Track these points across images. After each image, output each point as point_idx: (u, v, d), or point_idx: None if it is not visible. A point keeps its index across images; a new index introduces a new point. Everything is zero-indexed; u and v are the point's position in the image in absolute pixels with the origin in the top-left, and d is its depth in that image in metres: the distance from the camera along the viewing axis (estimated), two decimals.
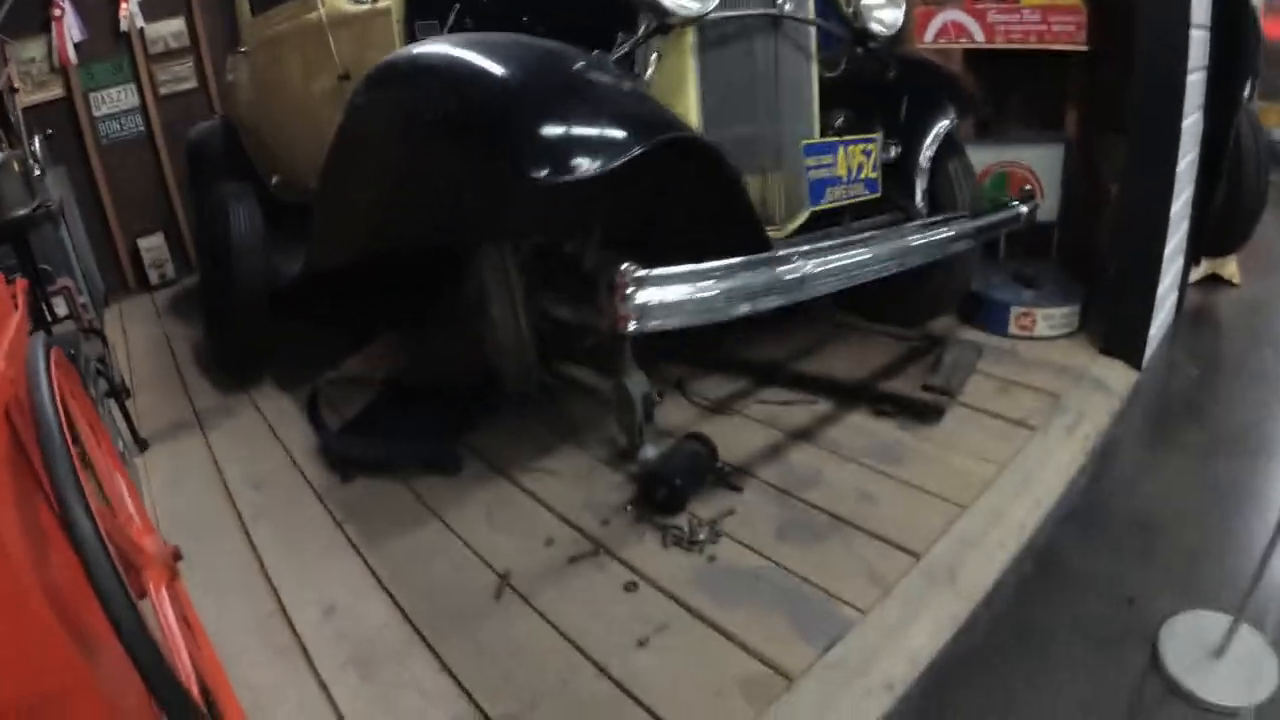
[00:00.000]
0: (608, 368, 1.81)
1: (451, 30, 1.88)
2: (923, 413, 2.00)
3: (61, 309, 2.55)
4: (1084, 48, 2.43)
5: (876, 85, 2.15)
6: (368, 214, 1.93)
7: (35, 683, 0.71)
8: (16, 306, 1.21)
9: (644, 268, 1.08)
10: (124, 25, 3.83)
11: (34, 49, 3.66)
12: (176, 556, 1.09)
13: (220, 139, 3.24)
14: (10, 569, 0.68)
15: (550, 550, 1.63)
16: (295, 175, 2.70)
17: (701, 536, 1.60)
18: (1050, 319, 2.45)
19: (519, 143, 1.13)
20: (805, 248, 1.38)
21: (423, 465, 1.95)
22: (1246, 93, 2.37)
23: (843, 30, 2.04)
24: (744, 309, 1.24)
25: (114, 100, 3.95)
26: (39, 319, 2.35)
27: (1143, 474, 1.83)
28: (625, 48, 1.56)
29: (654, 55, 1.64)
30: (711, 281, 1.17)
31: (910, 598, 1.40)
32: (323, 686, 1.34)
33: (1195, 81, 2.17)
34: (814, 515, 1.65)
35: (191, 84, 4.16)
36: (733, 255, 1.27)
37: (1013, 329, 2.48)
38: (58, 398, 0.83)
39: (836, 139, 1.82)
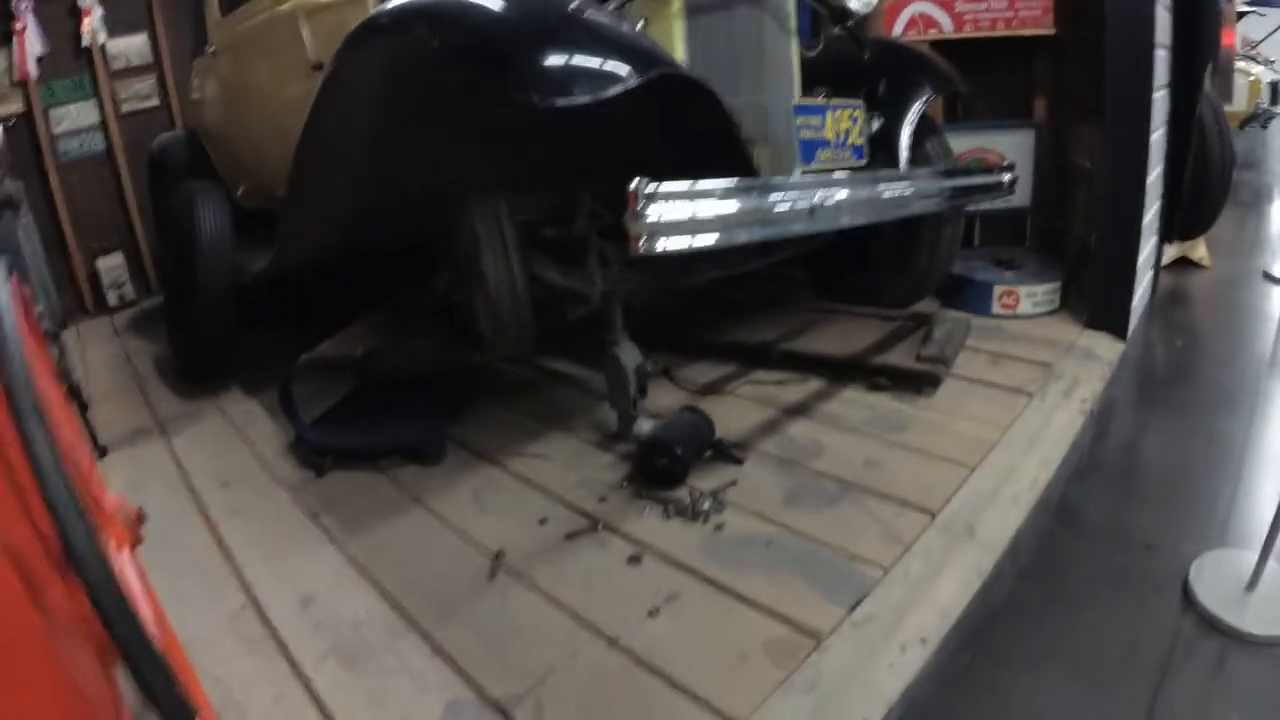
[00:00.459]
0: (596, 340, 1.74)
1: None
2: (919, 383, 1.97)
3: None
4: (1051, 32, 2.49)
5: (854, 64, 2.17)
6: (342, 200, 1.87)
7: None
8: None
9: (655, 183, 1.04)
10: (86, 40, 3.73)
11: None
12: (140, 518, 0.98)
13: (184, 149, 3.14)
14: None
15: (545, 529, 1.53)
16: (262, 181, 2.62)
17: (706, 507, 1.52)
18: (1034, 296, 2.46)
19: (520, 67, 1.10)
20: (816, 180, 1.36)
21: (403, 454, 1.84)
22: (1208, 72, 2.45)
23: (820, 6, 2.05)
24: (756, 233, 1.19)
25: (74, 117, 3.82)
26: None
27: (1145, 432, 1.82)
28: (612, 6, 1.54)
29: (641, 22, 1.62)
30: (724, 200, 1.13)
31: (931, 553, 1.34)
32: (302, 678, 1.22)
33: (1161, 57, 2.23)
34: (822, 481, 1.59)
35: (154, 102, 4.05)
36: None
37: (996, 308, 2.49)
38: (16, 314, 0.73)
39: (825, 102, 1.81)
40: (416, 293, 2.52)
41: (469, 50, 1.17)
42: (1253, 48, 6.98)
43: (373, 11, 1.41)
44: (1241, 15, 6.31)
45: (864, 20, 2.19)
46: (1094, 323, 2.32)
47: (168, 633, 1.09)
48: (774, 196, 1.23)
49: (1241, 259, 3.13)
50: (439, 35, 1.17)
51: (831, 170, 1.82)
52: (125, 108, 3.97)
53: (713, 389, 2.11)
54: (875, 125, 2.05)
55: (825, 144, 1.77)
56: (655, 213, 1.03)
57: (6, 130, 3.00)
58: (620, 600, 1.30)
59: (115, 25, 3.83)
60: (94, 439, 2.10)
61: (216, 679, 1.20)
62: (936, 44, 2.79)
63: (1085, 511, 1.52)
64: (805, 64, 1.94)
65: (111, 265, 4.04)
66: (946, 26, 2.70)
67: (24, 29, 3.51)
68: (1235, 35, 5.39)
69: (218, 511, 1.75)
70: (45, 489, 0.64)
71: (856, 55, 2.19)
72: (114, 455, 2.10)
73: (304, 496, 1.76)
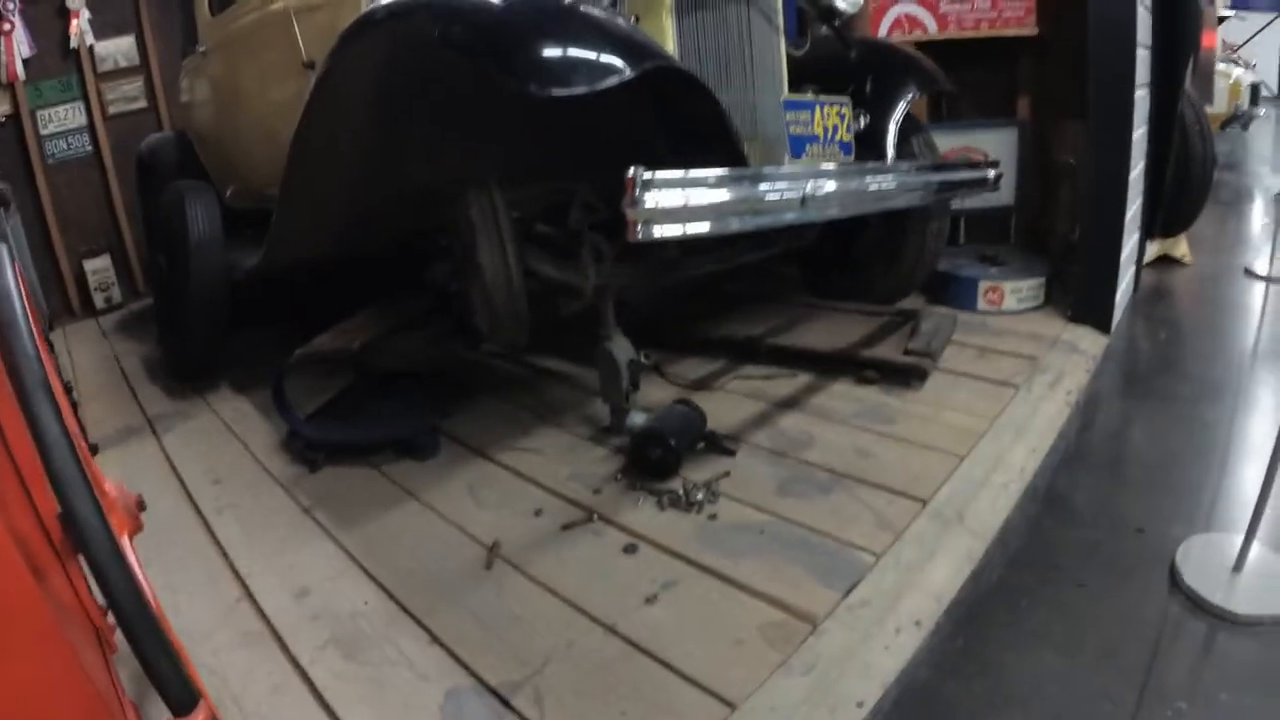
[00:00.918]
0: (587, 336, 1.76)
1: None
2: (907, 376, 1.99)
3: None
4: (1034, 32, 2.53)
5: (841, 63, 2.20)
6: (336, 199, 1.87)
7: None
8: None
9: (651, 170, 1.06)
10: (74, 42, 3.71)
11: None
12: (140, 505, 0.98)
13: (173, 150, 3.13)
14: None
15: (540, 520, 1.54)
16: (253, 182, 2.61)
17: (699, 497, 1.53)
18: (1018, 292, 2.49)
19: (519, 56, 1.12)
20: (807, 170, 1.38)
21: (397, 449, 1.84)
22: (1188, 71, 2.50)
23: (807, 5, 2.08)
24: (749, 222, 1.21)
25: (61, 119, 3.80)
26: None
27: (1130, 422, 1.85)
28: (606, 2, 1.55)
29: (633, 18, 1.64)
30: (716, 188, 1.14)
31: (924, 539, 1.36)
32: (300, 669, 1.22)
33: (1142, 56, 2.28)
34: (813, 472, 1.61)
35: (142, 104, 4.03)
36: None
37: (981, 304, 2.52)
38: (20, 286, 0.73)
39: (813, 98, 1.84)
40: (407, 291, 2.52)
41: (469, 40, 1.18)
42: (1234, 51, 7.12)
43: (370, 7, 1.42)
44: (1223, 19, 6.44)
45: (850, 20, 2.23)
46: (1078, 317, 2.36)
47: (164, 625, 1.09)
48: (765, 186, 1.25)
49: (1223, 256, 3.19)
50: (440, 25, 1.18)
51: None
52: (113, 109, 3.96)
53: (703, 384, 2.13)
54: (862, 122, 2.08)
55: (814, 139, 1.80)
56: (652, 199, 1.05)
57: None
58: (617, 589, 1.30)
59: (103, 27, 3.81)
60: (83, 437, 2.08)
61: (213, 670, 1.20)
62: (921, 44, 2.83)
63: (1073, 499, 1.54)
64: (793, 63, 1.97)
65: (98, 268, 4.01)
66: (931, 27, 2.74)
67: (11, 30, 3.49)
68: (1217, 38, 5.50)
69: (210, 507, 1.74)
70: (51, 465, 0.65)
71: (843, 54, 2.22)
72: (104, 453, 2.08)
73: (298, 492, 1.76)
